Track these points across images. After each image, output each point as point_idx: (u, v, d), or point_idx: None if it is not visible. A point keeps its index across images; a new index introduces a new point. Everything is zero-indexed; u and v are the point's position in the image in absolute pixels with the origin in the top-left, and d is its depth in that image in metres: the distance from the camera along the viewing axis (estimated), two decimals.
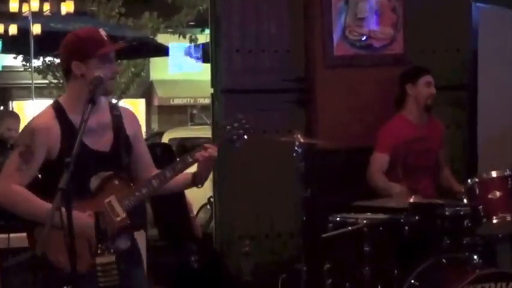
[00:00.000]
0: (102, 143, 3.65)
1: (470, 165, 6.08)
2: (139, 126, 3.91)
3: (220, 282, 6.03)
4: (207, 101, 9.50)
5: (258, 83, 6.10)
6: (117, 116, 3.74)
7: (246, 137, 3.84)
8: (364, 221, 4.88)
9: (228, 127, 3.84)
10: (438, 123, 5.85)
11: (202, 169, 3.78)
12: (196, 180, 3.81)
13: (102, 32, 3.66)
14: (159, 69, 24.92)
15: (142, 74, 22.74)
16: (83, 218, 3.47)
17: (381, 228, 4.93)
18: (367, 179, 5.58)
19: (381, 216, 4.97)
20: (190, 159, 3.72)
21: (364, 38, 6.15)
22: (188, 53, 18.61)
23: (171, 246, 6.30)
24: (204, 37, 17.43)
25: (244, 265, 6.00)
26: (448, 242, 4.87)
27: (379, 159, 5.60)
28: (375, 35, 6.17)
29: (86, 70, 3.57)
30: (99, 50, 3.58)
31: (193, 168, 3.78)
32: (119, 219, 3.58)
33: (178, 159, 3.78)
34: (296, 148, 5.25)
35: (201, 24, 19.37)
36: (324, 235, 4.97)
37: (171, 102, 25.72)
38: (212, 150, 3.72)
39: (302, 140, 5.27)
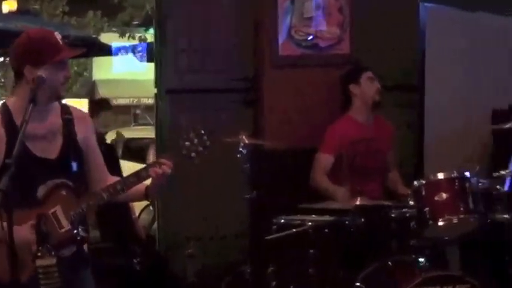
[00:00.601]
0: (50, 150, 3.54)
1: (418, 166, 6.08)
2: (92, 129, 3.79)
3: (164, 285, 5.97)
4: (151, 101, 9.45)
5: (204, 83, 6.07)
6: (68, 120, 3.62)
7: (205, 153, 3.75)
8: (310, 223, 4.87)
9: (186, 143, 3.72)
10: (387, 124, 5.85)
11: (155, 184, 3.69)
12: (149, 194, 3.73)
13: (58, 36, 3.54)
14: (103, 69, 24.77)
15: (85, 73, 22.55)
16: (22, 231, 3.34)
17: (326, 230, 4.91)
18: (310, 180, 5.57)
19: (326, 218, 4.96)
20: (143, 175, 3.63)
21: (310, 37, 6.15)
22: (132, 53, 18.54)
23: (114, 248, 6.22)
24: (150, 37, 17.37)
25: (188, 267, 5.95)
26: (394, 244, 4.87)
27: (322, 160, 5.59)
28: (322, 35, 6.17)
29: None
30: (54, 57, 3.47)
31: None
32: (63, 230, 3.49)
33: (132, 173, 3.67)
34: (241, 149, 5.20)
35: (146, 24, 19.31)
36: (268, 237, 4.93)
37: (115, 102, 25.54)
38: (166, 168, 3.63)
39: (247, 141, 5.23)
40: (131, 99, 25.39)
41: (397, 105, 6.18)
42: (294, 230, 4.86)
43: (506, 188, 4.96)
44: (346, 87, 5.72)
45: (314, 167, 5.60)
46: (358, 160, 5.57)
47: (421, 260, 4.77)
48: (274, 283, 5.00)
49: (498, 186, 4.95)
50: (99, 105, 8.84)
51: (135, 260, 6.02)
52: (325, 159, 5.59)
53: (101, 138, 6.66)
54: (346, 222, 4.87)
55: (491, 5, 6.63)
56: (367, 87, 5.65)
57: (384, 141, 5.74)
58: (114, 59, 21.82)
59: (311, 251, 4.84)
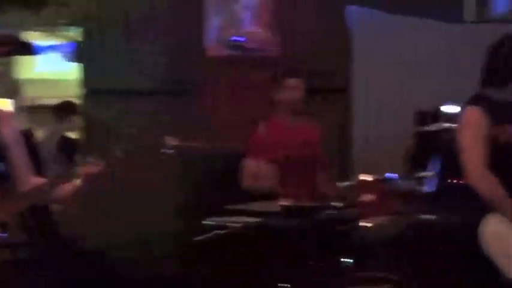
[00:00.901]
0: None
1: (346, 168, 6.13)
2: (14, 128, 3.72)
3: None
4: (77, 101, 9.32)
5: (131, 84, 6.02)
6: None
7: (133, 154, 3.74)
8: (238, 225, 4.87)
9: (114, 144, 3.70)
10: (315, 126, 5.82)
11: (84, 185, 3.68)
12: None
13: None
14: (26, 68, 24.38)
15: (7, 72, 22.15)
16: None
17: (253, 232, 4.92)
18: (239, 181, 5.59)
19: (254, 219, 4.96)
20: (71, 175, 3.59)
21: (239, 39, 6.15)
22: (57, 52, 18.30)
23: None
24: (76, 36, 17.16)
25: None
26: (323, 245, 4.86)
27: (248, 166, 5.58)
28: (250, 36, 6.19)
29: None
30: None
31: None
32: None
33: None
34: (169, 151, 5.18)
35: (72, 23, 19.09)
36: (197, 238, 4.92)
37: (38, 102, 25.17)
38: (95, 168, 3.60)
39: (175, 143, 5.20)
40: (56, 99, 25.05)
41: (325, 107, 6.24)
42: (223, 231, 4.87)
43: (428, 189, 5.09)
44: (271, 91, 5.73)
45: (242, 174, 5.60)
46: (285, 163, 5.60)
47: (349, 261, 4.79)
48: (203, 284, 5.01)
49: (423, 187, 5.06)
50: (64, 109, 8.43)
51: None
52: (250, 165, 5.60)
53: (28, 136, 6.54)
54: (274, 224, 4.90)
55: (418, 9, 6.74)
56: (288, 95, 5.56)
57: (312, 144, 5.72)
58: (38, 58, 21.51)
59: (241, 252, 4.86)
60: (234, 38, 6.14)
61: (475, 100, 4.32)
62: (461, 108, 4.39)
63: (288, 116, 5.66)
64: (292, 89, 5.57)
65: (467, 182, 4.29)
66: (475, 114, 4.24)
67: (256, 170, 5.57)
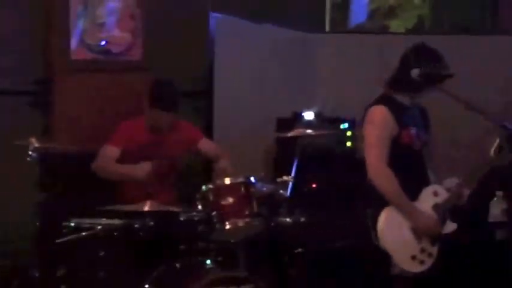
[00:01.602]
0: None
1: (206, 171, 6.17)
2: None
3: None
4: None
5: None
6: None
7: None
8: (100, 226, 4.86)
9: None
10: (187, 128, 5.80)
11: None
12: None
13: None
14: None
15: None
16: None
17: (116, 234, 4.91)
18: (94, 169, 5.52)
19: (116, 221, 4.96)
20: None
21: (102, 43, 6.13)
22: None
23: None
24: None
25: None
26: (183, 247, 4.96)
27: (107, 151, 5.52)
28: (114, 40, 6.17)
29: None
30: None
31: None
32: None
33: None
34: (31, 152, 5.12)
35: None
36: (58, 240, 4.88)
37: None
38: None
39: (37, 144, 5.14)
40: None
41: (187, 111, 6.24)
42: (85, 233, 4.85)
43: (288, 193, 5.20)
44: (145, 98, 5.59)
45: (98, 157, 5.52)
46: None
47: (209, 261, 4.87)
48: (63, 286, 4.96)
49: (281, 191, 5.16)
50: None
51: None
52: (110, 151, 5.50)
53: None
54: (137, 226, 4.89)
55: (280, 18, 6.87)
56: (154, 120, 5.54)
57: (177, 146, 5.69)
58: None
59: (101, 253, 4.85)
60: (98, 41, 6.11)
61: (383, 100, 4.56)
62: (368, 107, 4.60)
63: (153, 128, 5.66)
64: (155, 117, 5.53)
65: (368, 175, 4.51)
66: (382, 112, 4.49)
67: (113, 155, 5.55)
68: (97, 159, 5.54)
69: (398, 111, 4.52)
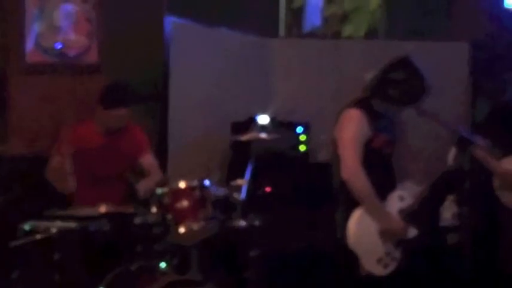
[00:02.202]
0: None
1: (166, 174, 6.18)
2: None
3: None
4: None
5: None
6: None
7: None
8: (55, 229, 4.84)
9: None
10: (134, 131, 5.78)
11: None
12: None
13: None
14: None
15: None
16: None
17: (71, 237, 4.86)
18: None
19: (72, 224, 4.91)
20: None
21: (58, 46, 6.12)
22: None
23: None
24: None
25: None
26: (138, 249, 4.92)
27: (53, 159, 5.51)
28: (70, 43, 6.17)
29: None
30: None
31: None
32: None
33: None
34: None
35: None
36: (13, 243, 4.86)
37: None
38: None
39: None
40: None
41: (142, 114, 6.21)
42: (39, 236, 4.82)
43: (242, 196, 5.22)
44: (96, 103, 5.55)
45: (48, 163, 5.56)
46: (93, 167, 5.56)
47: (163, 264, 4.87)
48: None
49: (235, 194, 5.19)
50: None
51: None
52: (54, 159, 5.51)
53: None
54: (92, 228, 4.87)
55: (235, 23, 6.90)
56: (110, 121, 5.53)
57: (128, 150, 5.68)
58: None
59: (56, 256, 4.82)
60: (54, 44, 6.10)
61: (359, 104, 4.60)
62: (344, 109, 4.64)
63: (103, 128, 5.65)
64: (112, 120, 5.53)
65: (342, 176, 4.53)
66: (358, 115, 4.54)
67: (59, 166, 5.55)
68: (47, 168, 5.55)
69: (372, 116, 4.57)
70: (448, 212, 6.05)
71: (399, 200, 4.66)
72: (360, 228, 4.51)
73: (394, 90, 4.56)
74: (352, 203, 4.54)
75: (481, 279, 6.35)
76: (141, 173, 5.75)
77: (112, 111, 5.48)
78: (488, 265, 6.51)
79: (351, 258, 4.50)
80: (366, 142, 4.56)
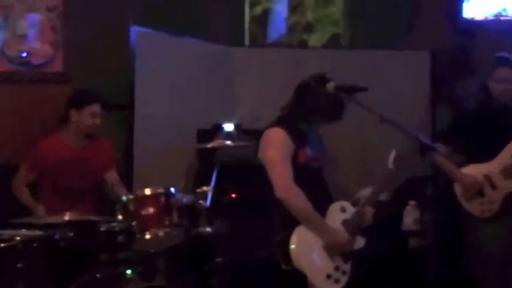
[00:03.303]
0: None
1: (127, 182, 6.16)
2: None
3: None
4: None
5: None
6: None
7: None
8: (18, 238, 4.82)
9: None
10: (104, 145, 5.86)
11: None
12: None
13: None
14: None
15: None
16: None
17: (36, 245, 4.86)
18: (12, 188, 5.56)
19: (36, 232, 4.93)
20: None
21: (23, 54, 6.11)
22: None
23: None
24: None
25: None
26: (104, 257, 4.94)
27: (22, 174, 5.61)
28: (35, 52, 6.17)
29: None
30: None
31: None
32: None
33: None
34: None
35: None
36: None
37: None
38: None
39: None
40: None
41: (108, 124, 6.20)
42: (3, 244, 4.80)
43: (207, 203, 5.24)
44: (68, 109, 5.64)
45: (16, 176, 5.59)
46: (63, 180, 5.60)
47: (129, 271, 4.89)
48: None
49: (201, 201, 5.22)
50: None
51: None
52: (23, 176, 5.61)
53: None
54: (56, 237, 4.89)
55: (200, 32, 6.93)
56: (86, 120, 5.61)
57: (98, 163, 5.76)
58: None
59: (20, 265, 4.80)
60: (19, 53, 6.10)
61: (280, 122, 4.58)
62: (267, 128, 4.62)
63: (75, 137, 5.66)
64: (92, 116, 5.61)
65: (276, 196, 4.44)
66: (281, 133, 4.50)
67: (25, 181, 5.59)
68: (13, 181, 5.57)
69: (295, 133, 4.54)
70: (410, 217, 6.12)
71: (341, 211, 4.59)
72: (303, 247, 4.40)
73: (312, 105, 4.55)
74: (291, 223, 4.45)
75: (443, 283, 6.46)
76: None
77: (87, 108, 5.57)
78: (451, 269, 6.61)
79: (298, 276, 4.40)
80: (291, 159, 4.50)
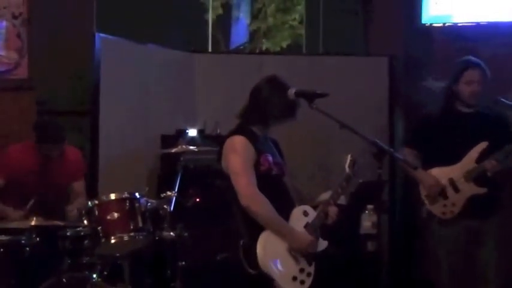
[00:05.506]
0: None
1: (92, 187, 6.18)
2: None
3: None
4: None
5: None
6: None
7: None
8: None
9: None
10: (74, 154, 5.87)
11: None
12: None
13: None
14: None
15: None
16: None
17: (1, 250, 4.91)
18: None
19: (2, 237, 4.96)
20: None
21: None
22: None
23: None
24: None
25: None
26: (69, 262, 4.99)
27: None
28: (0, 59, 6.16)
29: None
30: None
31: None
32: None
33: None
34: None
35: None
36: None
37: None
38: None
39: None
40: None
41: (72, 130, 6.23)
42: None
43: (171, 207, 5.32)
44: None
45: None
46: (29, 190, 5.56)
47: (94, 275, 4.95)
48: None
49: (165, 206, 5.29)
50: None
51: None
52: None
53: None
54: (22, 241, 4.92)
55: (163, 39, 6.96)
56: (39, 149, 5.61)
57: (64, 174, 5.76)
58: None
59: None
60: None
61: (240, 130, 4.59)
62: (228, 135, 4.61)
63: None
64: (47, 150, 5.60)
65: (241, 204, 4.44)
66: (243, 142, 4.51)
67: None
68: None
69: (254, 140, 4.56)
70: (368, 220, 6.18)
71: (303, 215, 4.63)
72: (269, 251, 4.43)
73: (266, 109, 4.58)
74: (256, 228, 4.47)
75: (397, 285, 6.58)
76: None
77: (42, 145, 5.56)
78: (404, 271, 6.74)
79: (266, 281, 4.42)
80: (254, 166, 4.52)
